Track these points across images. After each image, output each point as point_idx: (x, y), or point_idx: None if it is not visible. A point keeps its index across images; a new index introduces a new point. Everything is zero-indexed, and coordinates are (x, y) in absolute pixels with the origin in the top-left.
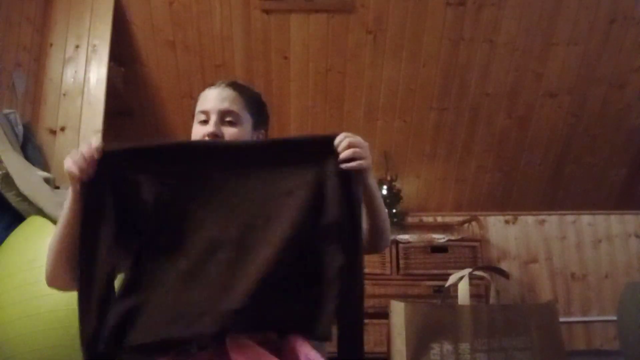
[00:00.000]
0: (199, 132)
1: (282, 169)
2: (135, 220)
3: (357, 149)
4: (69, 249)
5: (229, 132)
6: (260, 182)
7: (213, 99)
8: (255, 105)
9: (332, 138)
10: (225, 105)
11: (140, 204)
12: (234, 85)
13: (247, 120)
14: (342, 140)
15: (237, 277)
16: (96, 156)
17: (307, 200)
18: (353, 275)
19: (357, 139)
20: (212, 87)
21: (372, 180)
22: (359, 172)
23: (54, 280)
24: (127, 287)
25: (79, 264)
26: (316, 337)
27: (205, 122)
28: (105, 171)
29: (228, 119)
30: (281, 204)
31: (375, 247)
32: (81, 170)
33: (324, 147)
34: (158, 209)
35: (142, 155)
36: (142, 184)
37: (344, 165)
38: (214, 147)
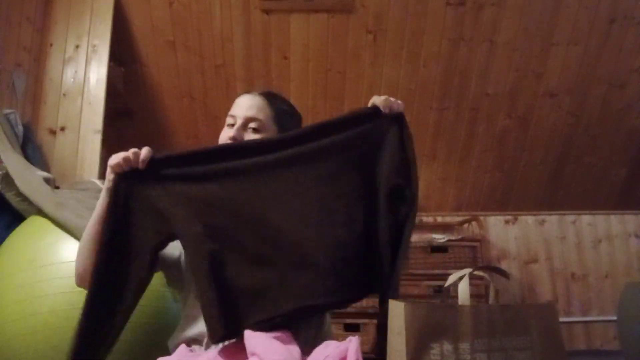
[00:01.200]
0: (224, 135)
1: (328, 150)
2: (184, 226)
3: (388, 98)
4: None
5: (250, 138)
6: (310, 170)
7: (243, 105)
8: (284, 117)
9: (373, 106)
10: (251, 113)
11: (186, 207)
12: (266, 94)
13: (271, 130)
14: (376, 100)
15: (309, 256)
16: (141, 167)
17: (359, 168)
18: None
19: (382, 96)
20: (246, 93)
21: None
22: (402, 115)
23: (84, 280)
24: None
25: (97, 262)
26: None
27: (232, 125)
28: (148, 179)
29: (252, 125)
30: (336, 182)
31: None
32: (122, 166)
33: (364, 116)
34: (213, 206)
35: (188, 160)
36: (194, 188)
37: (388, 111)
38: (255, 145)
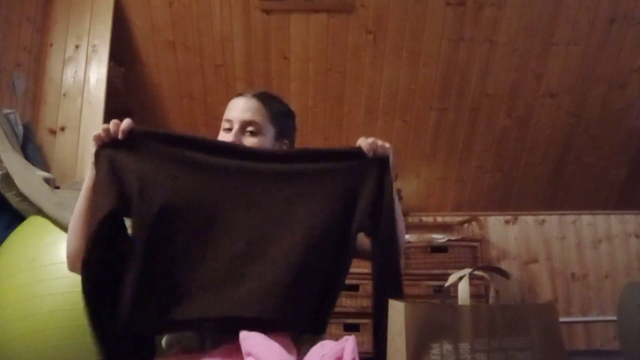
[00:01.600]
0: (221, 139)
1: (307, 175)
2: (147, 200)
3: (375, 141)
4: (89, 222)
5: (249, 142)
6: (285, 187)
7: (238, 108)
8: (280, 117)
9: (357, 147)
10: (247, 116)
11: (158, 187)
12: (260, 95)
13: (269, 131)
14: (362, 142)
15: (256, 270)
16: (120, 137)
17: (332, 199)
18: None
19: (370, 137)
20: (240, 96)
21: (392, 175)
22: (387, 160)
23: (75, 262)
24: (145, 266)
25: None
26: (315, 332)
27: (229, 130)
28: (127, 148)
29: (249, 129)
30: (304, 207)
31: None
32: (102, 137)
33: (349, 155)
34: (179, 194)
35: (171, 141)
36: (164, 168)
37: (372, 154)
38: (240, 150)
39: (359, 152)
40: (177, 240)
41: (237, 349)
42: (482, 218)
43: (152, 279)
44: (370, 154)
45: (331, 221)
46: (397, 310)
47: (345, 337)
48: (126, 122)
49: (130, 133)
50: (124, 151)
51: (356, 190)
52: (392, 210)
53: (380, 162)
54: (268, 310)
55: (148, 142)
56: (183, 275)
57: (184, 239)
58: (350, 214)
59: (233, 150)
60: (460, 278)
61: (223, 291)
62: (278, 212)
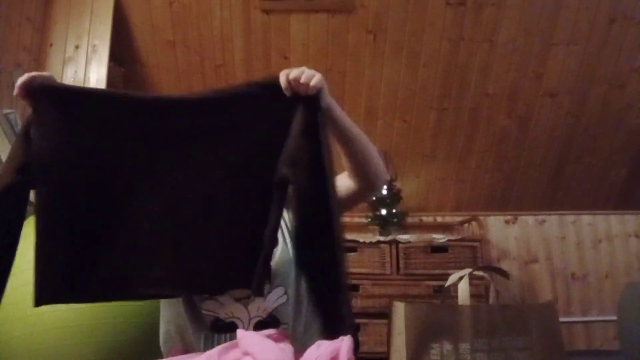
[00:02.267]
0: None
1: (226, 123)
2: (59, 164)
3: (297, 78)
4: None
5: None
6: (202, 144)
7: None
8: None
9: (275, 83)
10: None
11: (66, 150)
12: None
13: None
14: (281, 78)
15: (171, 240)
16: (16, 92)
17: (255, 148)
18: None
19: (298, 69)
20: None
21: (332, 102)
22: (315, 98)
23: None
24: (53, 238)
25: None
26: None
27: None
28: (42, 109)
29: None
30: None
31: (365, 183)
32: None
33: (267, 91)
34: (87, 157)
35: (79, 97)
36: (71, 127)
37: (289, 93)
38: (155, 101)
39: (274, 85)
40: (89, 211)
41: (235, 348)
42: (482, 218)
43: (63, 254)
44: (288, 93)
45: (252, 174)
46: (397, 310)
47: (341, 337)
48: (25, 76)
49: (33, 89)
50: (39, 112)
51: (279, 134)
52: (317, 159)
53: (306, 101)
54: (186, 285)
55: (61, 101)
56: (99, 249)
57: (97, 210)
58: (273, 163)
59: (143, 102)
60: (460, 278)
61: (141, 264)
62: (194, 174)
